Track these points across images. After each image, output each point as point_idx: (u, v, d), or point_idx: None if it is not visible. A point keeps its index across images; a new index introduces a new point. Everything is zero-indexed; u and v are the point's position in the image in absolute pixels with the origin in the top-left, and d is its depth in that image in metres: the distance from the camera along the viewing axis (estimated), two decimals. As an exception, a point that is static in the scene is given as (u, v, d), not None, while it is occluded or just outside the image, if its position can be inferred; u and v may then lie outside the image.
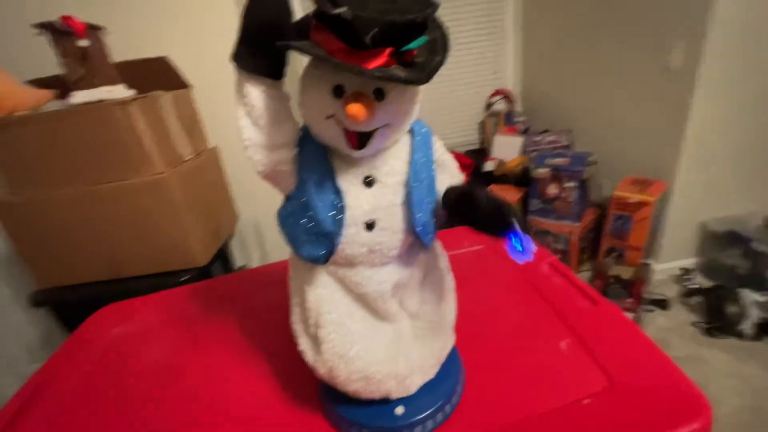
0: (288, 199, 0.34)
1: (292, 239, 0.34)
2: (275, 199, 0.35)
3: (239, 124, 0.30)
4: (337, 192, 0.31)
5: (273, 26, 0.26)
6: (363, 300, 0.36)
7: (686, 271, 1.41)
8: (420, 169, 0.33)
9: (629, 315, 1.27)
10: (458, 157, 1.66)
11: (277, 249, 1.41)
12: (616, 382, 0.37)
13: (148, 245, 0.96)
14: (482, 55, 1.93)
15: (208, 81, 1.17)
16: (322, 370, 0.35)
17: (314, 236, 0.32)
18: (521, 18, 1.90)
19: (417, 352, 0.37)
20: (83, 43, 0.79)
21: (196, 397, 0.44)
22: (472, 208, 0.31)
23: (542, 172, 1.51)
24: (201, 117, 1.18)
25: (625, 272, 1.34)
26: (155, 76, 1.04)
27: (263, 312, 0.58)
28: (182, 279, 0.97)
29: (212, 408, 0.43)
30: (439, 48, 0.27)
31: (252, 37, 0.27)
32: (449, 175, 0.37)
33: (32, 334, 1.50)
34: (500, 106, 1.98)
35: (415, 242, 0.34)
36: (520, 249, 0.29)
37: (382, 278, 0.34)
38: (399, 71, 0.25)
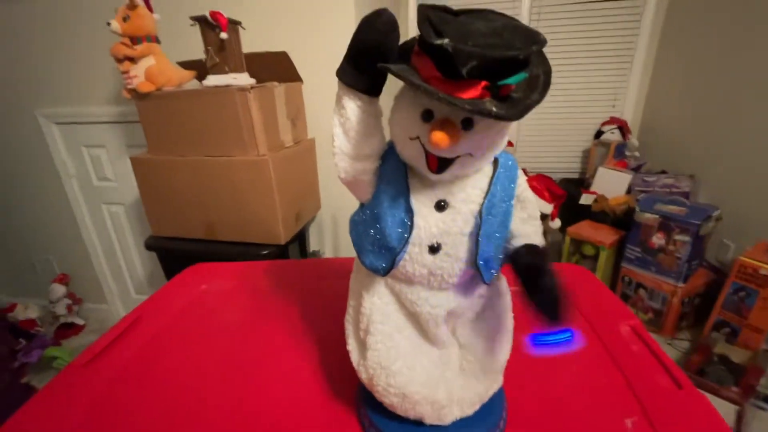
0: (362, 207, 0.35)
1: (358, 245, 0.35)
2: (355, 200, 0.36)
3: (333, 132, 0.32)
4: (408, 210, 0.32)
5: (378, 49, 0.27)
6: (415, 319, 0.36)
7: (823, 372, 1.12)
8: (497, 202, 0.32)
9: (732, 407, 1.06)
10: (550, 184, 1.54)
11: (348, 245, 1.46)
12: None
13: (240, 216, 1.07)
14: (603, 78, 1.77)
15: (317, 77, 1.26)
16: (363, 375, 0.36)
17: (378, 248, 0.33)
18: (655, 45, 1.70)
19: (459, 385, 0.36)
20: (224, 35, 0.91)
21: (251, 361, 0.49)
22: (532, 283, 0.30)
23: (650, 217, 1.33)
24: (305, 110, 1.28)
25: (736, 354, 1.12)
26: (274, 67, 1.16)
27: (326, 301, 0.62)
28: (263, 252, 1.07)
29: (258, 374, 0.46)
30: (539, 86, 0.26)
31: (357, 57, 0.29)
32: (527, 215, 0.35)
33: (140, 272, 1.78)
34: (612, 135, 1.79)
35: (477, 274, 0.33)
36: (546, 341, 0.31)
37: (438, 302, 0.34)
38: (491, 105, 0.24)
